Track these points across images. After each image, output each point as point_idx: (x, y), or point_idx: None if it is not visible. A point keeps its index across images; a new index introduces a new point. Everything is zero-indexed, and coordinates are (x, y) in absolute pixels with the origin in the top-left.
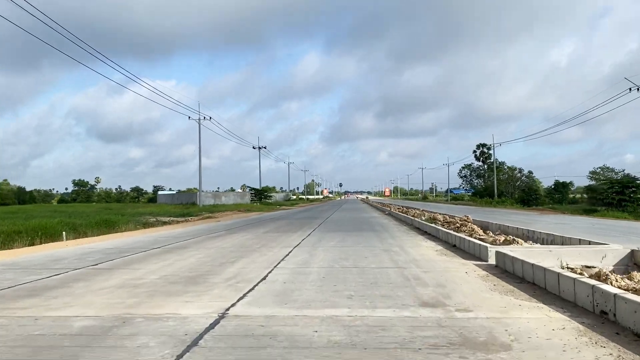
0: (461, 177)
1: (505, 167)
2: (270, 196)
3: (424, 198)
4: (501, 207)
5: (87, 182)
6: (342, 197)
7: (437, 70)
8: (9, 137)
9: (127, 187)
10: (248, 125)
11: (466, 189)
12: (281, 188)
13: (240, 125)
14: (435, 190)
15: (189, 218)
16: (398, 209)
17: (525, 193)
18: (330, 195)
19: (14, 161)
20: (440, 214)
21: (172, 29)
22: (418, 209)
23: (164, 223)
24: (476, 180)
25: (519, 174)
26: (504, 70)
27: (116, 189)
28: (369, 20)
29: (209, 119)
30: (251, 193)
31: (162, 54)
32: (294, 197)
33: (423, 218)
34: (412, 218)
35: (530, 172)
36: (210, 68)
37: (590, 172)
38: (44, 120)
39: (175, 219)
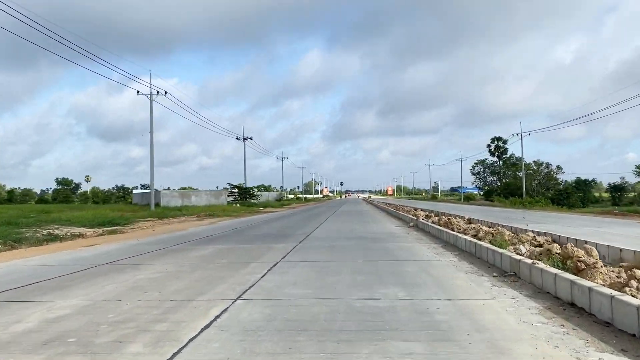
0: (474, 174)
1: (530, 162)
2: (257, 196)
3: (433, 197)
4: (537, 208)
5: (72, 180)
6: (343, 197)
7: (440, 68)
8: (8, 136)
9: (129, 186)
10: (249, 123)
11: (479, 187)
12: (281, 187)
13: (241, 123)
14: (439, 189)
15: (87, 233)
16: (427, 215)
17: (557, 191)
18: (331, 194)
19: (14, 161)
20: (524, 229)
21: (172, 27)
22: (468, 219)
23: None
24: (490, 178)
25: (545, 169)
26: (508, 68)
27: (113, 187)
28: (371, 17)
29: (163, 94)
30: (232, 192)
31: (162, 52)
32: (292, 196)
33: (524, 249)
34: (499, 251)
35: (559, 167)
36: (211, 66)
37: (636, 167)
38: (44, 119)
39: (87, 230)
